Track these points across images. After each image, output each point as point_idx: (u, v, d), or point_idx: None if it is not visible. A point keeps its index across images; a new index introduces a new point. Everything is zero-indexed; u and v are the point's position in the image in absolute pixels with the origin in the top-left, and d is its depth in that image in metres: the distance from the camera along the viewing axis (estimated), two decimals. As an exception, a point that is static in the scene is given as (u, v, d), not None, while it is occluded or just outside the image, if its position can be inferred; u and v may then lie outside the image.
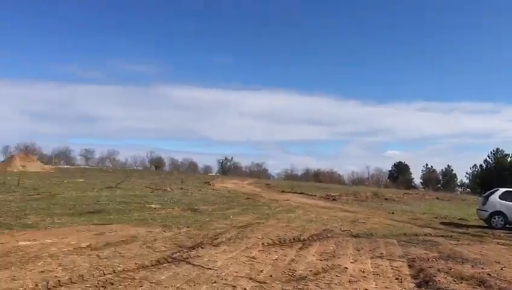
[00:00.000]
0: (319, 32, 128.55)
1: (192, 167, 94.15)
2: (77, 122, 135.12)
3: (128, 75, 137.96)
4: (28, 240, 9.22)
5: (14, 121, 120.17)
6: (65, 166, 70.80)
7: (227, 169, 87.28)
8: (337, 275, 7.32)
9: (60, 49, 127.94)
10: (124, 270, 6.95)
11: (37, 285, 5.88)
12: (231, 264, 7.78)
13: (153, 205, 17.66)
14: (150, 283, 6.27)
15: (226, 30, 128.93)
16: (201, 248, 9.21)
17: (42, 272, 6.62)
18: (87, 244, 9.00)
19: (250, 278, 6.82)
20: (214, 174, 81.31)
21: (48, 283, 6.00)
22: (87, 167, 76.76)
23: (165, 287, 6.12)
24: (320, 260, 8.54)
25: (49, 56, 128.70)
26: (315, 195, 31.94)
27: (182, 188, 29.66)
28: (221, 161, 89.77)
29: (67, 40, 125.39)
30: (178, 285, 6.22)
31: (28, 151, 66.27)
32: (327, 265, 8.06)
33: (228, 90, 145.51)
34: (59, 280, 6.14)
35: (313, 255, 9.02)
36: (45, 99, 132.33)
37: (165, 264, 7.50)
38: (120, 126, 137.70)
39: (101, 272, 6.76)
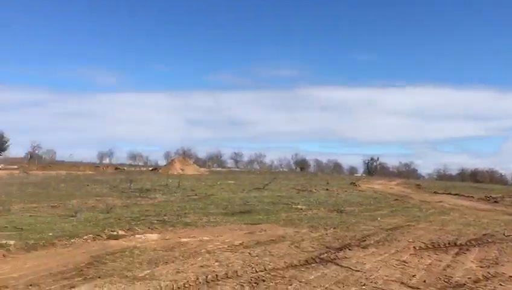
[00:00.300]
0: (470, 20, 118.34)
1: (337, 167, 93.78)
2: (228, 127, 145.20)
3: (273, 80, 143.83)
4: (189, 237, 10.16)
5: (175, 128, 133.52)
6: (217, 169, 76.22)
7: (373, 169, 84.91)
8: (501, 284, 6.66)
9: (212, 60, 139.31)
10: (274, 268, 7.23)
11: (197, 278, 6.47)
12: (380, 267, 7.57)
13: (299, 206, 17.98)
14: (299, 282, 6.43)
15: (367, 27, 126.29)
16: (349, 249, 9.12)
17: (201, 266, 7.25)
18: (240, 242, 9.57)
19: (402, 283, 6.57)
20: (360, 175, 79.79)
21: (206, 276, 6.56)
22: (237, 169, 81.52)
23: (314, 287, 6.21)
24: (481, 267, 7.83)
25: (203, 67, 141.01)
26: (472, 196, 29.26)
27: (327, 189, 29.66)
28: (367, 161, 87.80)
29: (217, 52, 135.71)
30: (327, 285, 6.27)
31: (185, 155, 72.78)
32: (489, 273, 7.37)
33: (372, 88, 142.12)
34: (216, 275, 6.66)
35: (472, 262, 8.30)
36: (200, 107, 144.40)
37: (313, 264, 7.61)
38: (266, 129, 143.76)
39: (253, 269, 7.13)
